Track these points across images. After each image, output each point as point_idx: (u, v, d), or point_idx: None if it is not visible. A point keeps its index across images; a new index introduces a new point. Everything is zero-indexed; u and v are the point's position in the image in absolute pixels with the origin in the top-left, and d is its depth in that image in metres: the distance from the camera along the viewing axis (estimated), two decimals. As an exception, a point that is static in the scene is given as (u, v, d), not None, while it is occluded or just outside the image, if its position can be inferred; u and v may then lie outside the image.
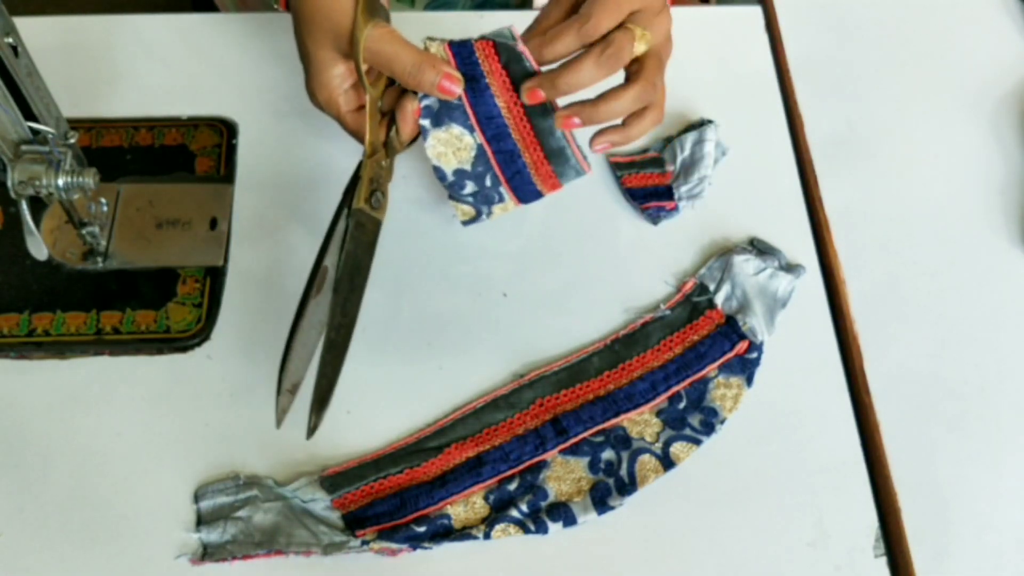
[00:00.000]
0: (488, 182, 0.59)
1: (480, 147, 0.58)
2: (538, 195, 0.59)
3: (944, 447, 0.59)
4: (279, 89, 0.71)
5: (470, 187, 0.59)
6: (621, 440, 0.58)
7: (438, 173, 0.58)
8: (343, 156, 0.68)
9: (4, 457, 0.56)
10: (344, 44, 0.56)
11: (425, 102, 0.57)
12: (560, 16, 0.56)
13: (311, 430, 0.53)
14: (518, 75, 0.56)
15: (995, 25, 0.79)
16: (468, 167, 0.59)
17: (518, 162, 0.58)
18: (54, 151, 0.53)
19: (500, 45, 0.55)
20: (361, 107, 0.59)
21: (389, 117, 0.59)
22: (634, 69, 0.56)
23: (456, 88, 0.56)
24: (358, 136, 0.59)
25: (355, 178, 0.58)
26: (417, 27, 0.74)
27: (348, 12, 0.55)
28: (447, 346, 0.61)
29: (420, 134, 0.58)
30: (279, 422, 0.55)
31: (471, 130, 0.58)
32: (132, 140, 0.68)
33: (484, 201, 0.60)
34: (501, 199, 0.59)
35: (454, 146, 0.58)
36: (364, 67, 0.55)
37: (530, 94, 0.55)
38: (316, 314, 0.56)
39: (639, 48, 0.54)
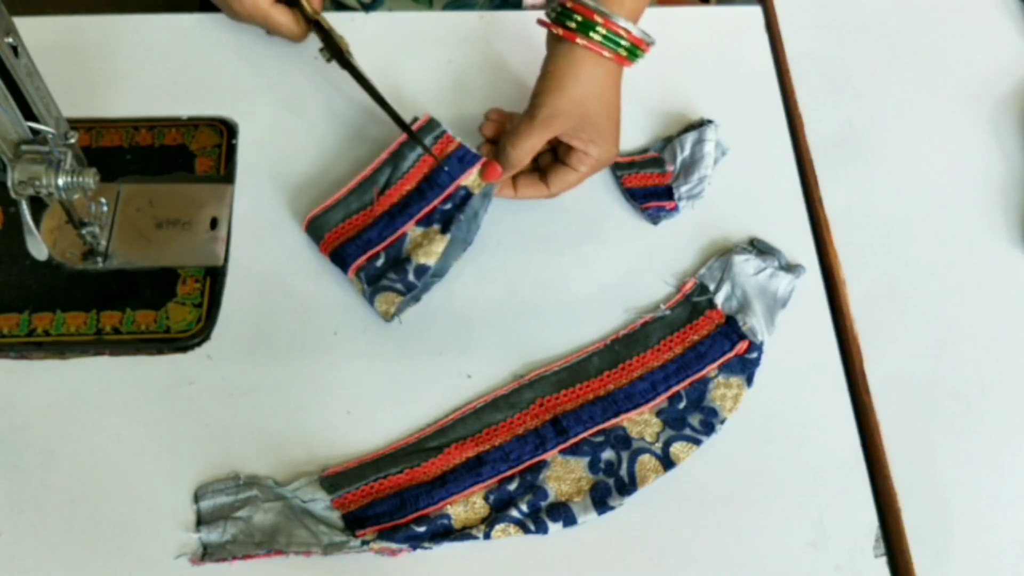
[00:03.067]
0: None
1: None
2: None
3: (944, 447, 0.59)
4: (279, 89, 0.71)
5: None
6: (621, 440, 0.58)
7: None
8: (342, 156, 0.68)
9: (4, 457, 0.56)
10: None
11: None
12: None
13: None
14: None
15: (995, 25, 0.79)
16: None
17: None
18: (54, 151, 0.53)
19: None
20: (273, 2, 0.69)
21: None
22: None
23: None
24: (284, 26, 0.69)
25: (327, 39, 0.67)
26: (436, 27, 0.75)
27: None
28: (448, 346, 0.61)
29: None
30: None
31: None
32: (132, 140, 0.68)
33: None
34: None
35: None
36: None
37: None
38: None
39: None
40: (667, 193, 0.67)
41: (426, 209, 0.62)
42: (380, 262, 0.61)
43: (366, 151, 0.68)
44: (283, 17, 0.69)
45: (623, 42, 0.58)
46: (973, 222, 0.68)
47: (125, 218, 0.64)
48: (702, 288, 0.64)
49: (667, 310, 0.63)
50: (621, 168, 0.68)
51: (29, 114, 0.52)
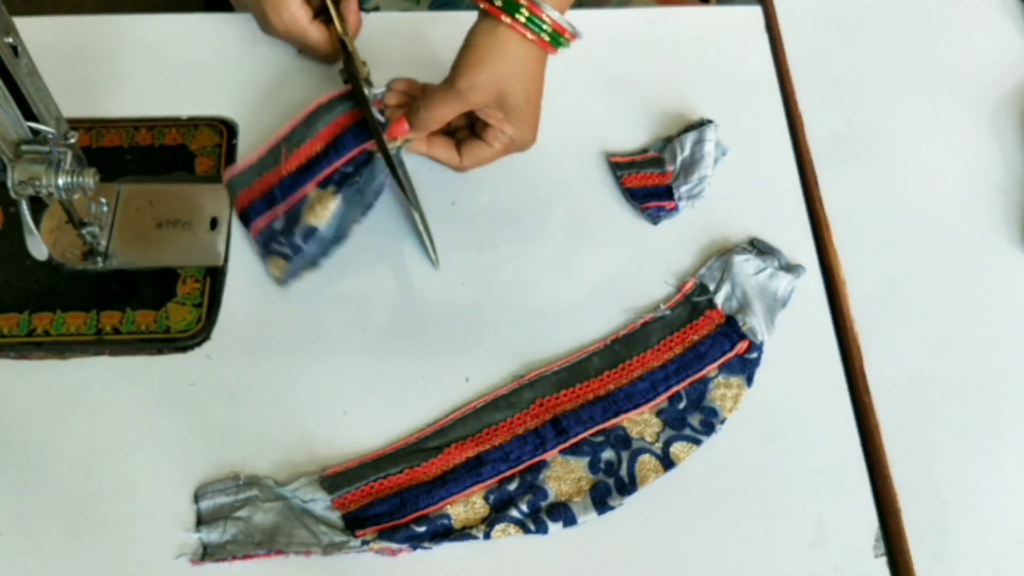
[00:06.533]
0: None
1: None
2: None
3: (944, 447, 0.59)
4: (279, 89, 0.71)
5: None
6: (621, 440, 0.58)
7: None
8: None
9: (4, 457, 0.56)
10: None
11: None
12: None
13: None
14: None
15: (995, 25, 0.78)
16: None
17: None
18: (54, 151, 0.53)
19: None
20: (312, 19, 0.68)
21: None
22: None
23: None
24: (319, 44, 0.69)
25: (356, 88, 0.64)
26: (422, 26, 0.75)
27: None
28: (447, 346, 0.61)
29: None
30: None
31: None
32: (132, 140, 0.68)
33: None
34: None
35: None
36: None
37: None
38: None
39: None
40: (667, 193, 0.67)
41: (327, 170, 0.62)
42: (279, 225, 0.62)
43: (366, 151, 0.68)
44: (319, 35, 0.68)
45: (546, 27, 0.59)
46: (973, 222, 0.68)
47: (125, 218, 0.64)
48: (702, 288, 0.64)
49: (667, 310, 0.63)
50: (621, 168, 0.68)
51: (29, 114, 0.52)
